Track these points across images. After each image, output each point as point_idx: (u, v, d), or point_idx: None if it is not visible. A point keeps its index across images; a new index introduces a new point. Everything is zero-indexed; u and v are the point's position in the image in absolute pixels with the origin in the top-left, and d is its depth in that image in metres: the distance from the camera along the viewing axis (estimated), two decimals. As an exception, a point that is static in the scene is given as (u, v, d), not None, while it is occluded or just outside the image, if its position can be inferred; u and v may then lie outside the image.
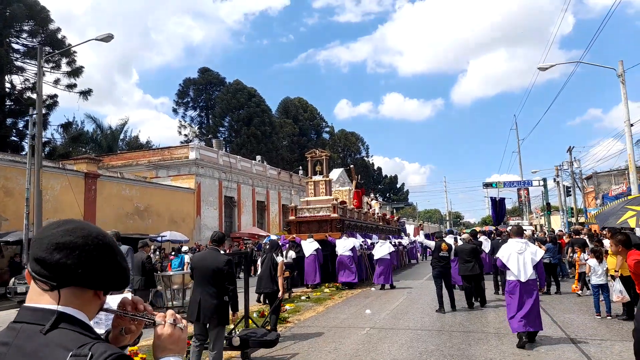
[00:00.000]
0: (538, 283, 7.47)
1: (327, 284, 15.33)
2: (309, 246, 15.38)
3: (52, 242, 1.13)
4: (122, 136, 50.14)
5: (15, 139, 38.05)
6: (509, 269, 7.23)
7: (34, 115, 17.29)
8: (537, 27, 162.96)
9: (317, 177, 18.77)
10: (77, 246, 1.13)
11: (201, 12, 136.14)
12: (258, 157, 40.33)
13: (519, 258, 7.13)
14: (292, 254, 14.38)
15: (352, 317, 9.75)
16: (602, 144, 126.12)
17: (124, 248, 7.86)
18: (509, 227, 23.67)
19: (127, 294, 1.53)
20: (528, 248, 7.25)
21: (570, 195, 37.69)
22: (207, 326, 5.61)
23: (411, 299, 12.36)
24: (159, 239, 22.51)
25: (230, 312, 5.81)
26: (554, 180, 38.47)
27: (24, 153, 36.60)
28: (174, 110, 64.78)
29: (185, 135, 60.71)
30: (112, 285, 1.22)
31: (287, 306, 10.84)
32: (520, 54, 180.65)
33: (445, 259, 10.39)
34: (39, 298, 1.15)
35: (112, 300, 1.38)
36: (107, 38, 16.48)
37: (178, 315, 1.31)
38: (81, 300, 1.17)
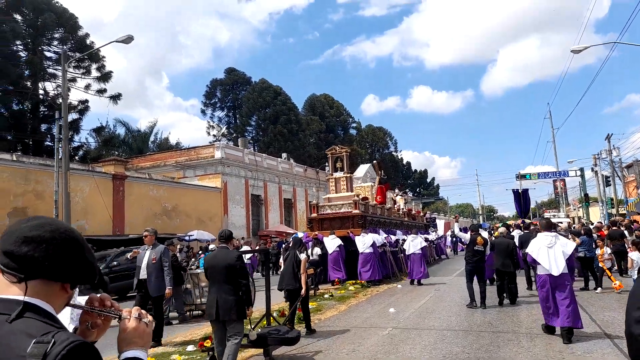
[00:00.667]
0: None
1: (351, 282, 15.08)
2: (332, 243, 15.26)
3: (21, 236, 1.17)
4: (152, 138, 51.05)
5: (50, 144, 39.27)
6: (539, 264, 7.03)
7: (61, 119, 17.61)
8: (570, 12, 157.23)
9: (338, 174, 18.60)
10: (44, 240, 1.18)
11: (226, 14, 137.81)
12: (284, 155, 40.27)
13: (549, 252, 6.91)
14: (317, 250, 14.32)
15: (375, 316, 9.38)
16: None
17: (160, 247, 8.03)
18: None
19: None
20: (558, 241, 7.02)
21: (610, 185, 35.98)
22: (226, 324, 5.55)
23: (439, 296, 11.87)
24: (187, 238, 22.67)
25: (247, 307, 5.74)
26: (592, 169, 36.82)
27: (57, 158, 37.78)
28: (202, 112, 65.72)
29: (214, 135, 61.36)
30: (79, 279, 1.26)
31: (310, 305, 10.55)
32: (553, 40, 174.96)
33: (480, 253, 9.89)
34: (6, 289, 1.18)
35: (84, 300, 1.43)
36: (128, 40, 16.60)
37: (143, 311, 1.37)
38: (48, 292, 1.20)
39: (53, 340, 1.05)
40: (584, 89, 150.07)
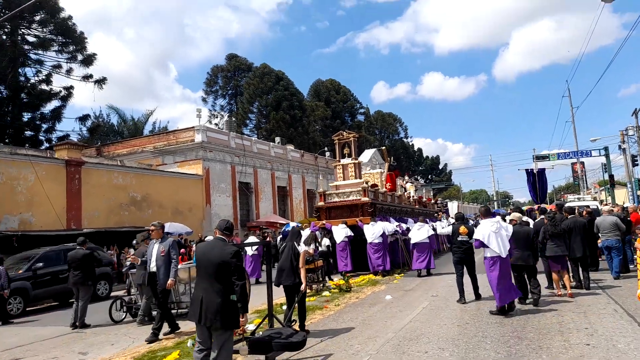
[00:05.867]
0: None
1: (333, 282, 12.74)
2: (341, 232, 14.64)
3: None
4: (150, 128, 48.67)
5: (31, 133, 37.01)
6: (488, 247, 7.59)
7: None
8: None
9: (346, 160, 17.86)
10: None
11: (236, 6, 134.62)
12: (277, 139, 37.14)
13: (497, 237, 7.55)
14: (326, 241, 13.66)
15: (331, 348, 6.35)
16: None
17: (169, 240, 7.90)
18: (567, 203, 19.21)
19: None
20: (502, 227, 7.70)
21: (638, 164, 32.34)
22: (210, 329, 4.51)
23: (435, 307, 8.81)
24: (156, 231, 19.87)
25: (240, 313, 4.56)
26: (619, 147, 33.05)
27: (43, 147, 35.42)
28: (204, 100, 63.32)
29: (216, 124, 58.81)
30: None
31: (253, 323, 7.61)
32: (568, 22, 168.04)
33: (465, 243, 9.19)
34: None
35: None
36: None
37: None
38: None
39: None
40: (600, 72, 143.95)
